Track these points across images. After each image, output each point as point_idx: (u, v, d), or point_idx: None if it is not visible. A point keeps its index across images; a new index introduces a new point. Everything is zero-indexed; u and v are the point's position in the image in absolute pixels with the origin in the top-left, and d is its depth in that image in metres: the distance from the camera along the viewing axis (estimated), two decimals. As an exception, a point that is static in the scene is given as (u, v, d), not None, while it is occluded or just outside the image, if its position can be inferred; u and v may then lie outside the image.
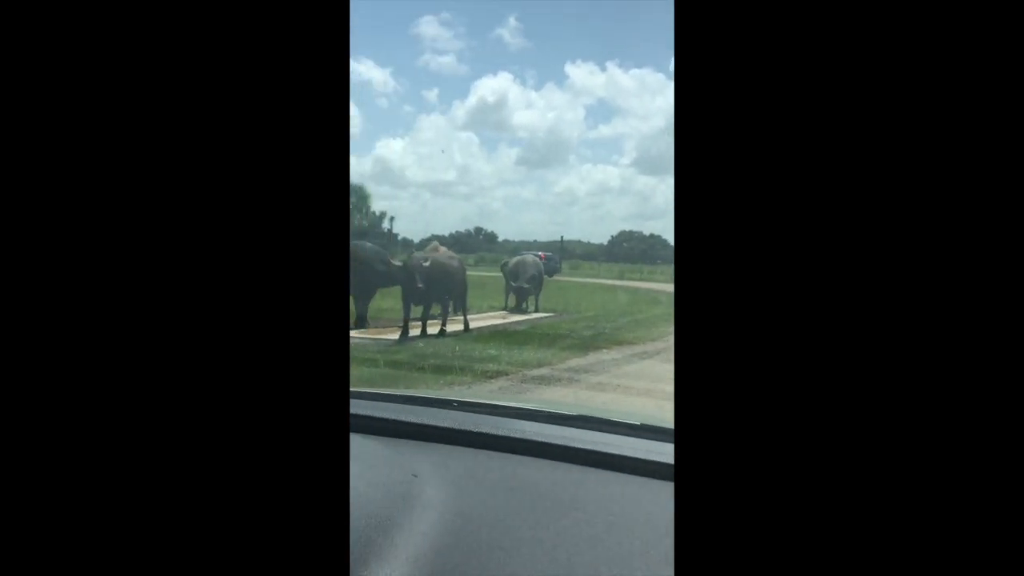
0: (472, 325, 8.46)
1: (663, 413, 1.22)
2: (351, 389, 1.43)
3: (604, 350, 6.94)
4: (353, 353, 6.20)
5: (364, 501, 0.74)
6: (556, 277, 18.34)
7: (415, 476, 0.87)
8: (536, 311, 10.60)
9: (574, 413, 1.18)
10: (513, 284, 10.58)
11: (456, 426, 1.09)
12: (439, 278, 7.92)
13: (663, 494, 0.84)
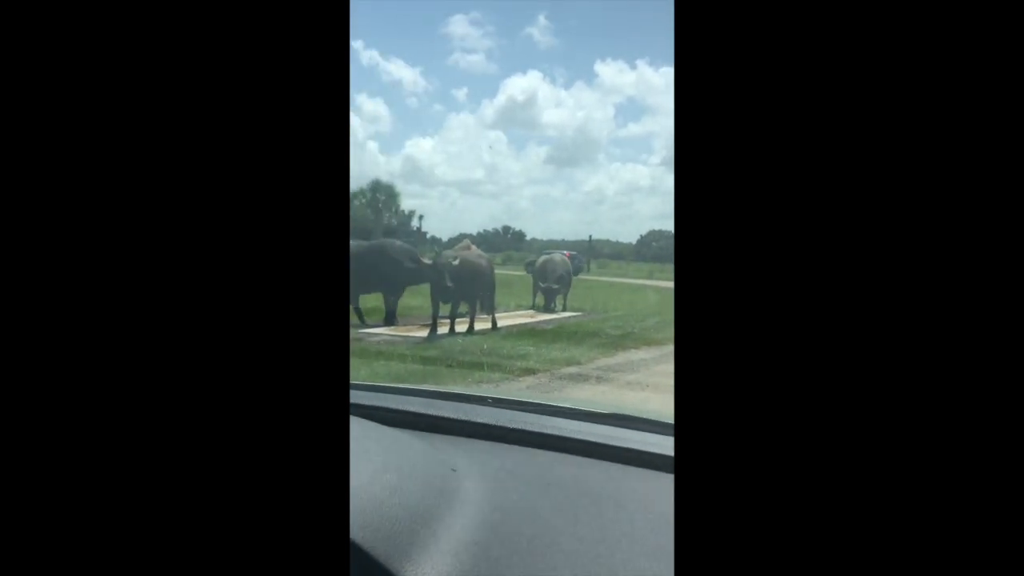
0: (500, 323, 8.47)
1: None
2: (389, 384, 1.44)
3: (633, 349, 6.90)
4: (382, 349, 6.27)
5: (404, 494, 0.74)
6: (584, 276, 18.30)
7: (454, 471, 0.87)
8: (564, 310, 10.58)
9: (609, 411, 1.17)
10: (542, 284, 10.56)
11: (492, 422, 1.09)
12: (468, 276, 7.95)
13: None
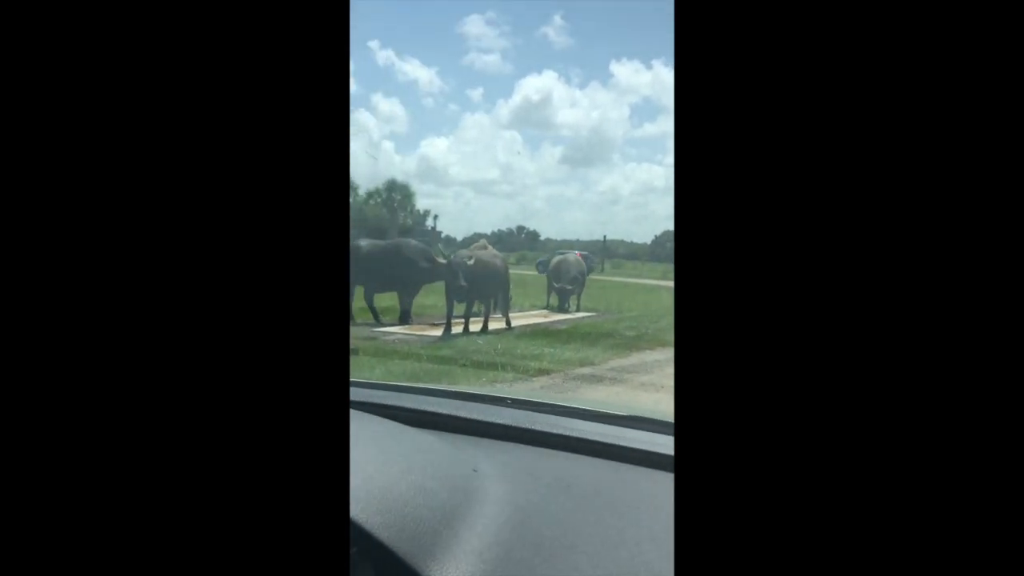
0: (514, 323, 8.47)
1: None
2: (408, 384, 1.46)
3: (647, 351, 6.87)
4: (396, 348, 6.30)
5: (429, 494, 0.75)
6: (599, 276, 18.25)
7: (475, 471, 0.88)
8: (578, 310, 10.56)
9: (627, 414, 1.18)
10: (556, 285, 10.55)
11: (512, 423, 1.10)
12: (482, 276, 7.97)
13: None
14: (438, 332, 7.63)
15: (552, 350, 6.38)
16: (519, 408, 1.19)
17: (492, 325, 8.17)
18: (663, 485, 0.93)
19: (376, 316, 8.50)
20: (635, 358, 6.42)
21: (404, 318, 8.47)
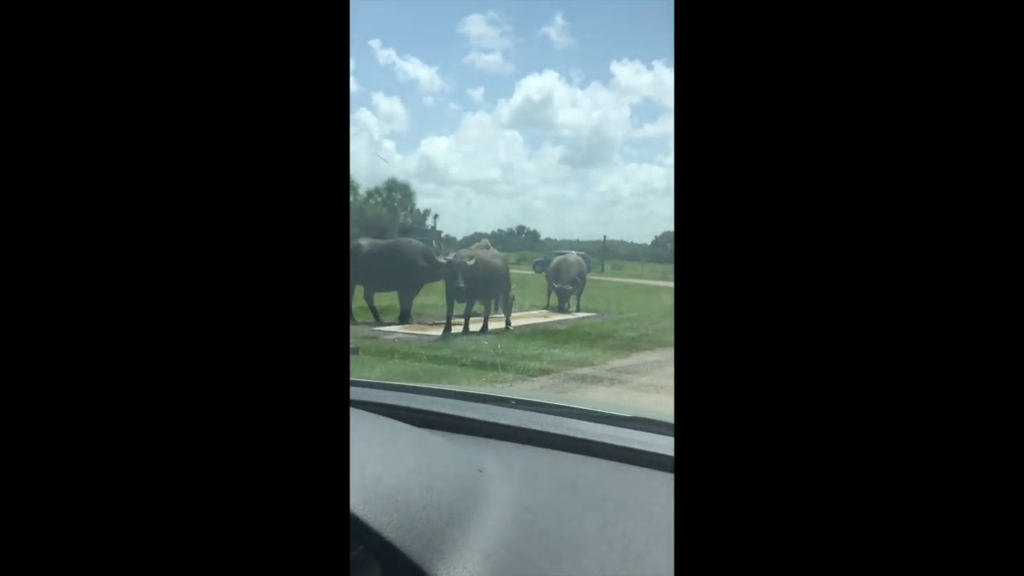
0: (514, 323, 8.48)
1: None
2: (411, 384, 1.46)
3: (647, 351, 6.88)
4: (396, 348, 6.30)
5: (436, 494, 0.76)
6: (599, 277, 18.28)
7: (481, 471, 0.89)
8: (578, 311, 10.57)
9: (630, 415, 1.18)
10: (556, 285, 10.57)
11: (517, 424, 1.11)
12: (483, 276, 7.97)
13: None
14: (438, 332, 7.64)
15: (552, 350, 6.39)
16: (523, 409, 1.19)
17: (492, 325, 8.18)
18: (666, 486, 0.93)
19: (376, 315, 8.50)
20: (635, 359, 6.42)
21: (404, 317, 8.47)
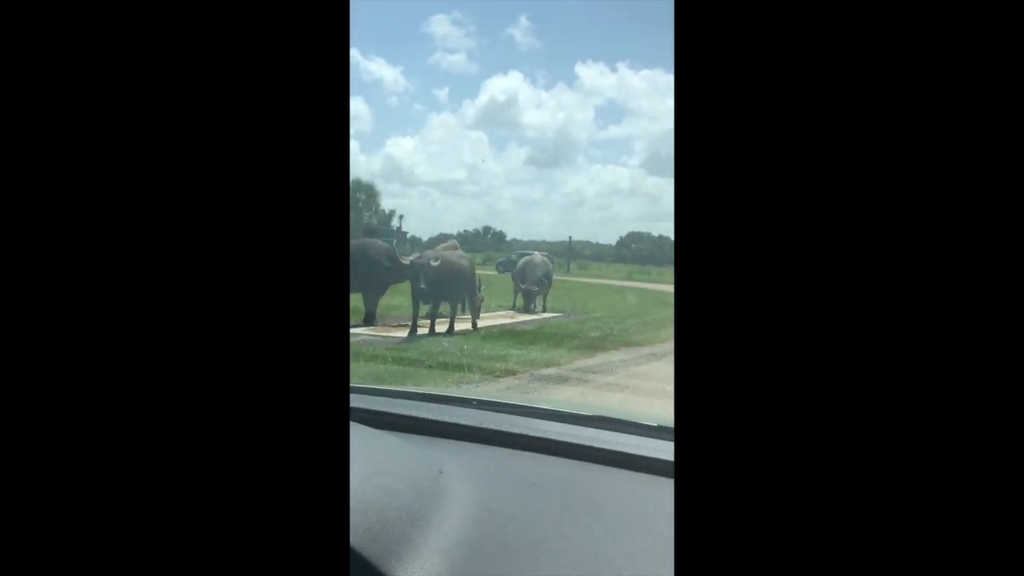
0: (480, 324, 8.47)
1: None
2: (372, 386, 1.45)
3: (612, 351, 6.94)
4: (361, 350, 6.24)
5: (395, 495, 0.75)
6: (564, 277, 18.38)
7: (440, 472, 0.88)
8: (544, 311, 10.61)
9: (591, 414, 1.19)
10: (522, 285, 10.60)
11: (477, 424, 1.10)
12: (448, 277, 7.94)
13: None
14: (403, 333, 7.59)
15: (518, 351, 6.40)
16: (484, 409, 1.19)
17: (458, 326, 8.16)
18: (627, 484, 0.94)
19: (340, 317, 8.40)
20: (600, 358, 6.47)
21: (369, 319, 8.40)
